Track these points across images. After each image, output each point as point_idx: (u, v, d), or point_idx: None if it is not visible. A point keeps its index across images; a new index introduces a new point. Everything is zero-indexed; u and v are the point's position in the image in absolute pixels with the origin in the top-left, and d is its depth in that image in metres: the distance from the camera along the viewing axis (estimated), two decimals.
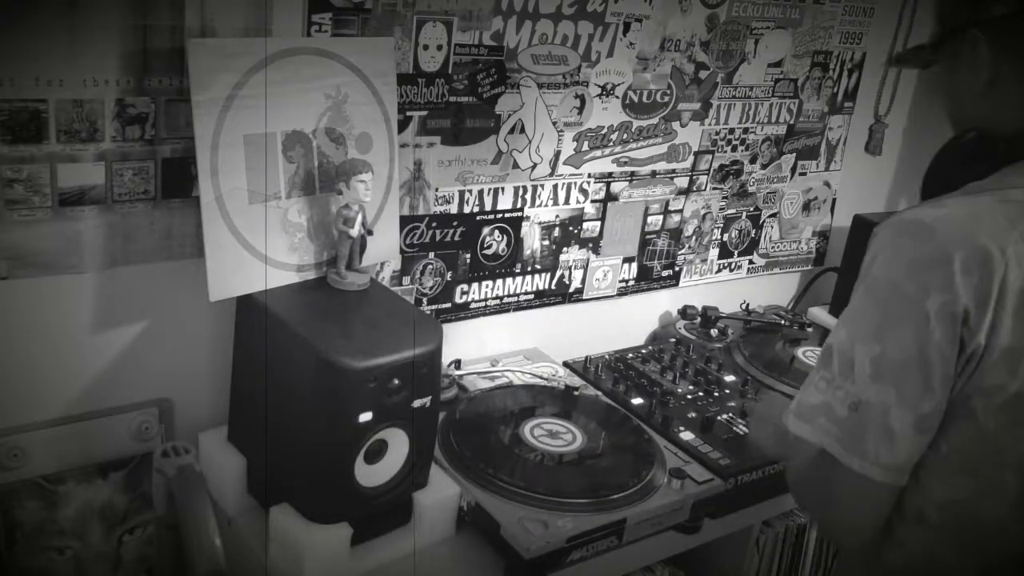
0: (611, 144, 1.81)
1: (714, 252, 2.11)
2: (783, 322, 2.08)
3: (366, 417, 1.20)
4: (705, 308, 2.01)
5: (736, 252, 2.16)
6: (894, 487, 1.00)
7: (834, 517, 1.07)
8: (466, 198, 1.66)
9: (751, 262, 2.20)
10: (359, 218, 1.33)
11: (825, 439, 1.00)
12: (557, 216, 1.80)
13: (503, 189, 1.70)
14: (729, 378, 1.80)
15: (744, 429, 1.61)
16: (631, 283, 1.98)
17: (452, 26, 1.52)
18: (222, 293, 1.28)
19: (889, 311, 0.97)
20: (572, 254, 1.85)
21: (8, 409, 1.31)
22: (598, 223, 1.87)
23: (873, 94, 2.26)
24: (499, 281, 1.77)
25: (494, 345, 1.80)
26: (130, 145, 1.29)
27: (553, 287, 1.86)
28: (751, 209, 2.14)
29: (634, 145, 1.85)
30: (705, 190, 2.02)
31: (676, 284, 2.07)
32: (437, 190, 1.61)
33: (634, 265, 1.97)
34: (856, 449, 0.98)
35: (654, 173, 1.91)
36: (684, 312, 2.03)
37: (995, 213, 0.98)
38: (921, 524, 1.04)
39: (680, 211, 2.00)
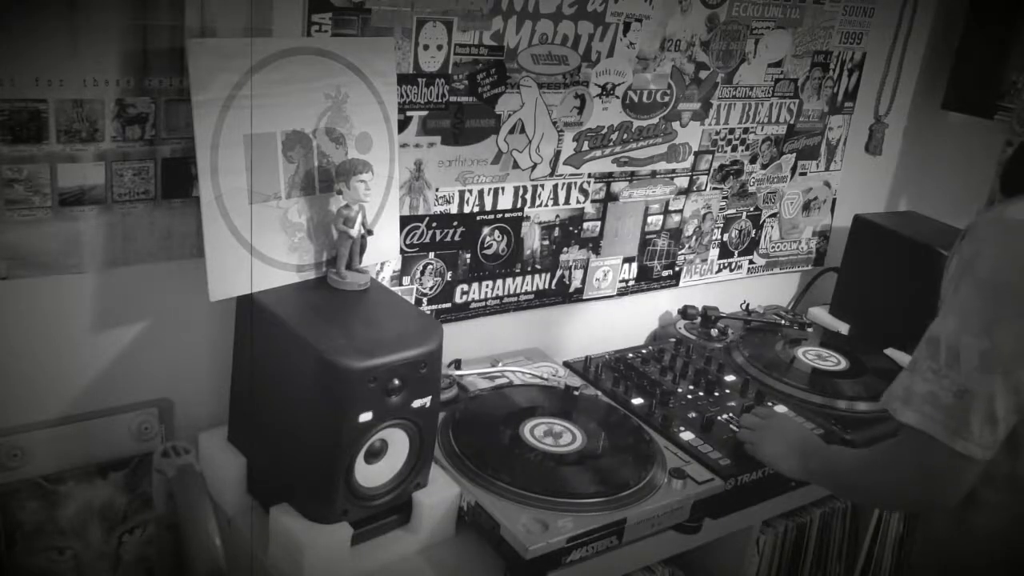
0: (611, 144, 1.81)
1: (714, 252, 2.11)
2: (783, 322, 2.08)
3: (366, 417, 1.20)
4: (705, 308, 2.01)
5: (736, 252, 2.16)
6: (987, 461, 1.10)
7: (926, 491, 1.16)
8: (466, 198, 1.66)
9: (751, 262, 2.20)
10: (359, 218, 1.33)
11: (931, 425, 1.09)
12: (557, 216, 1.80)
13: (503, 189, 1.70)
14: (729, 378, 1.80)
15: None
16: (631, 283, 1.98)
17: (452, 26, 1.52)
18: (222, 293, 1.28)
19: (1000, 308, 1.07)
20: (572, 254, 1.85)
21: (8, 409, 1.31)
22: (598, 223, 1.87)
23: (873, 94, 2.26)
24: (499, 281, 1.77)
25: (494, 345, 1.80)
26: (130, 145, 1.29)
27: (553, 287, 1.86)
28: (751, 209, 2.14)
29: (634, 145, 1.85)
30: (705, 190, 2.02)
31: (676, 284, 2.07)
32: (437, 190, 1.62)
33: (634, 265, 1.97)
34: (961, 432, 1.07)
35: (654, 173, 1.91)
36: (684, 312, 2.02)
37: None
38: (1013, 489, 1.16)
39: (680, 211, 2.00)
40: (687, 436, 1.56)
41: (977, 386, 1.07)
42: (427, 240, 1.64)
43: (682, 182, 1.97)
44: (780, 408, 1.69)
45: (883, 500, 1.36)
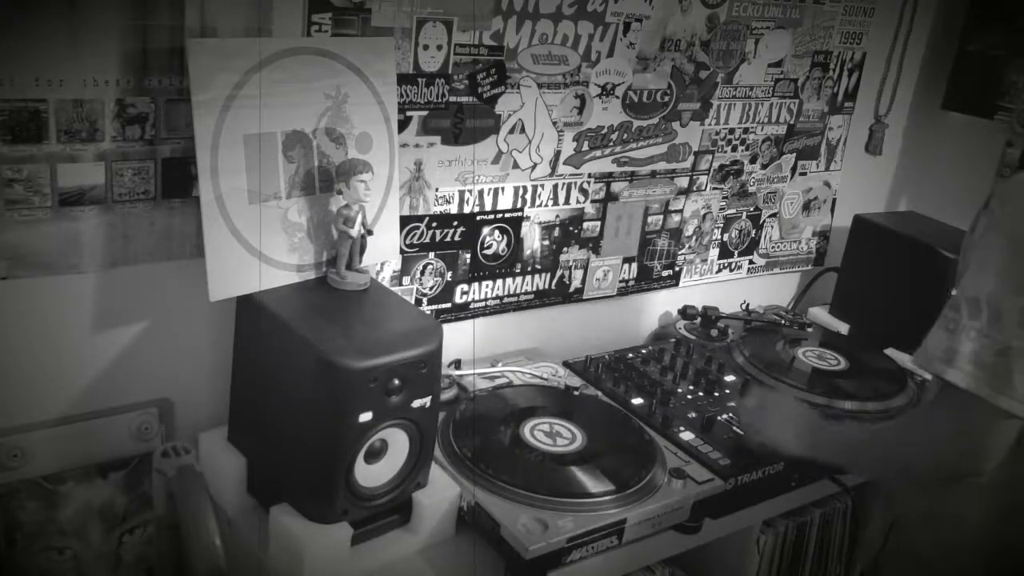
0: (611, 144, 1.81)
1: (714, 252, 2.11)
2: (783, 322, 2.08)
3: (366, 417, 1.20)
4: (705, 308, 2.01)
5: (736, 252, 2.16)
6: None
7: (965, 454, 1.18)
8: (466, 198, 1.66)
9: (751, 262, 2.20)
10: (359, 218, 1.33)
11: (975, 384, 1.11)
12: (557, 216, 1.80)
13: (503, 189, 1.70)
14: (729, 378, 1.80)
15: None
16: (631, 283, 1.98)
17: (452, 26, 1.52)
18: (222, 293, 1.28)
19: None
20: (572, 254, 1.85)
21: (8, 409, 1.31)
22: (598, 223, 1.87)
23: (873, 94, 2.26)
24: (499, 281, 1.77)
25: (494, 345, 1.80)
26: (130, 145, 1.29)
27: (553, 287, 1.86)
28: (751, 209, 2.14)
29: (634, 145, 1.85)
30: (705, 190, 2.02)
31: (676, 284, 2.07)
32: (437, 190, 1.62)
33: (634, 265, 1.97)
34: (1004, 390, 1.09)
35: (654, 173, 1.91)
36: (684, 312, 2.02)
37: None
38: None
39: (680, 211, 2.00)
40: (687, 436, 1.56)
41: (1020, 342, 1.09)
42: (427, 240, 1.64)
43: (682, 182, 1.97)
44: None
45: (911, 467, 1.32)
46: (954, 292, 1.17)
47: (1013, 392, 1.09)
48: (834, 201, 2.29)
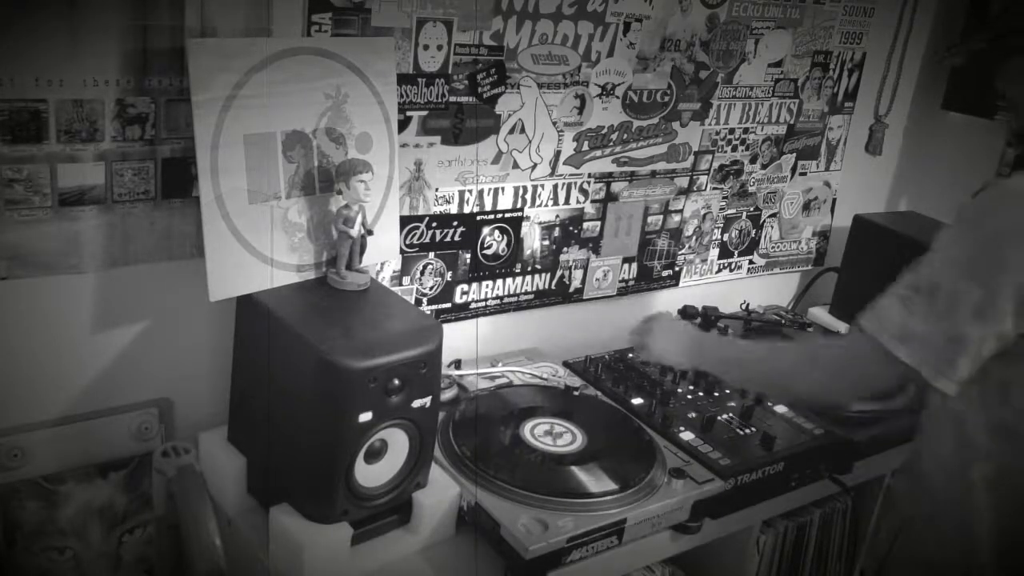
0: (611, 144, 1.81)
1: (714, 252, 2.11)
2: (783, 322, 2.08)
3: (366, 417, 1.20)
4: (705, 308, 2.01)
5: (736, 252, 2.16)
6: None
7: (852, 387, 1.31)
8: (466, 198, 1.66)
9: (751, 262, 2.20)
10: (359, 218, 1.33)
11: (921, 364, 1.16)
12: (557, 216, 1.80)
13: (503, 189, 1.70)
14: None
15: (744, 431, 1.61)
16: (631, 283, 1.98)
17: (452, 26, 1.52)
18: (222, 293, 1.28)
19: (997, 259, 1.13)
20: (572, 254, 1.85)
21: (8, 409, 1.31)
22: (598, 223, 1.87)
23: (873, 94, 2.26)
24: (499, 281, 1.77)
25: (494, 345, 1.80)
26: (130, 145, 1.29)
27: (553, 287, 1.86)
28: (751, 209, 2.14)
29: (634, 145, 1.85)
30: (705, 190, 2.02)
31: (676, 284, 2.07)
32: (437, 190, 1.62)
33: (634, 265, 1.97)
34: (946, 372, 1.15)
35: (654, 173, 1.91)
36: (684, 312, 2.02)
37: None
38: (1005, 436, 1.20)
39: (680, 211, 2.00)
40: (687, 436, 1.56)
41: (971, 331, 1.14)
42: (427, 240, 1.64)
43: (682, 182, 1.97)
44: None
45: (794, 390, 1.43)
46: (919, 267, 1.21)
47: (954, 375, 1.15)
48: (834, 201, 2.29)
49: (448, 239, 1.67)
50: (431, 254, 1.66)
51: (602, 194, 1.84)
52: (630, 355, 1.85)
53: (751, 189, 2.11)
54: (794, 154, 2.15)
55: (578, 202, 1.82)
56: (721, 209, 2.07)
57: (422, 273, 1.66)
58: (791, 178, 2.18)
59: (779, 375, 1.38)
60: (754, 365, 1.44)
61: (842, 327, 2.16)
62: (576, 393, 1.64)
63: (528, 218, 1.76)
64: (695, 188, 2.00)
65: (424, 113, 1.54)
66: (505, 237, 1.74)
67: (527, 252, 1.79)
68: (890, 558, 1.41)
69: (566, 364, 1.79)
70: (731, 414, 1.66)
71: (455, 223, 1.66)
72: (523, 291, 1.82)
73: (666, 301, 2.07)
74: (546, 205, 1.78)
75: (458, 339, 1.72)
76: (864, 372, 1.25)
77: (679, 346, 1.54)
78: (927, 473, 1.31)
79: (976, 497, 1.23)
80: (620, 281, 1.96)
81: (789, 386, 1.39)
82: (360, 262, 1.37)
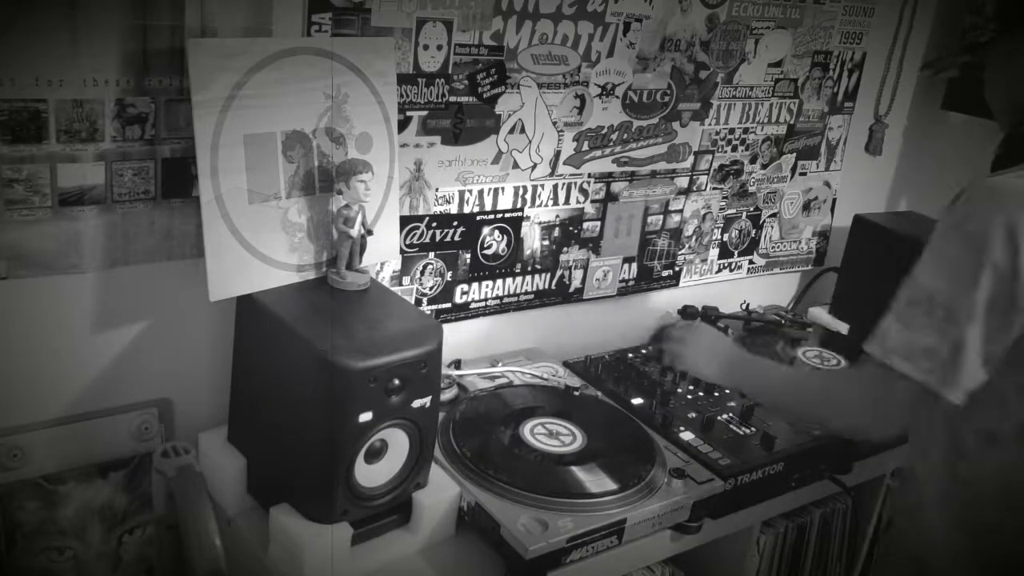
0: (611, 144, 1.81)
1: (714, 252, 2.11)
2: (783, 322, 2.08)
3: (366, 417, 1.20)
4: (705, 308, 2.01)
5: (736, 252, 2.16)
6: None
7: (876, 418, 1.26)
8: (466, 198, 1.66)
9: (751, 262, 2.20)
10: (359, 218, 1.33)
11: (929, 379, 1.15)
12: (557, 216, 1.80)
13: (503, 189, 1.70)
14: None
15: (744, 431, 1.61)
16: (631, 283, 1.98)
17: (452, 26, 1.52)
18: (222, 293, 1.28)
19: (981, 261, 1.12)
20: (572, 254, 1.85)
21: (8, 409, 1.31)
22: (598, 223, 1.87)
23: (873, 94, 2.26)
24: (499, 281, 1.77)
25: (494, 345, 1.80)
26: (130, 145, 1.29)
27: (553, 287, 1.86)
28: (751, 209, 2.14)
29: (634, 145, 1.85)
30: (705, 190, 2.02)
31: (676, 284, 2.07)
32: (437, 190, 1.62)
33: (634, 265, 1.97)
34: (951, 381, 1.14)
35: (654, 173, 1.91)
36: (684, 312, 2.02)
37: None
38: (995, 444, 1.20)
39: (680, 211, 2.00)
40: (687, 436, 1.56)
41: (970, 338, 1.13)
42: (427, 240, 1.64)
43: (682, 182, 1.97)
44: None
45: (822, 418, 1.41)
46: (911, 281, 1.20)
47: (957, 384, 1.14)
48: (834, 201, 2.29)
49: (448, 239, 1.67)
50: (431, 254, 1.66)
51: (602, 194, 1.84)
52: (630, 355, 1.85)
53: (751, 189, 2.11)
54: (794, 154, 2.15)
55: (578, 202, 1.82)
56: (721, 209, 2.07)
57: (422, 273, 1.66)
58: (791, 178, 2.18)
59: (816, 407, 1.36)
60: (793, 397, 1.41)
61: (842, 327, 2.16)
62: (576, 393, 1.64)
63: (528, 218, 1.76)
64: (695, 188, 2.00)
65: (424, 113, 1.54)
66: (505, 237, 1.74)
67: (527, 252, 1.79)
68: (880, 549, 1.42)
69: (566, 364, 1.79)
70: (731, 414, 1.66)
71: (455, 223, 1.66)
72: (523, 291, 1.82)
73: (666, 301, 2.07)
74: (546, 205, 1.78)
75: (458, 339, 1.72)
76: (892, 402, 1.22)
77: (717, 363, 1.51)
78: (911, 468, 1.32)
79: (957, 494, 1.24)
80: (620, 281, 1.96)
81: (827, 420, 1.38)
82: (360, 262, 1.37)
